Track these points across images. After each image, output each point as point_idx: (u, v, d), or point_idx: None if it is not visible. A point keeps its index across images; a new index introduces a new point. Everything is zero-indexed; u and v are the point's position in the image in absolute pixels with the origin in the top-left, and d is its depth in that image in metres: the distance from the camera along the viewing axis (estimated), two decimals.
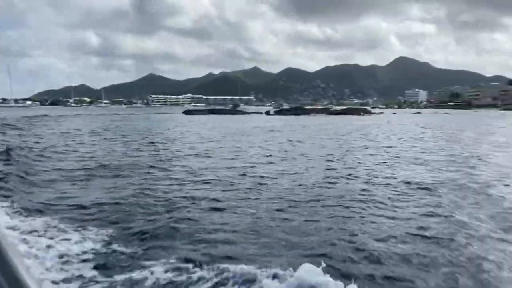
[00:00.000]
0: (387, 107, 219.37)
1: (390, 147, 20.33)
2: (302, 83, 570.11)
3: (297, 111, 66.73)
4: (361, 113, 61.71)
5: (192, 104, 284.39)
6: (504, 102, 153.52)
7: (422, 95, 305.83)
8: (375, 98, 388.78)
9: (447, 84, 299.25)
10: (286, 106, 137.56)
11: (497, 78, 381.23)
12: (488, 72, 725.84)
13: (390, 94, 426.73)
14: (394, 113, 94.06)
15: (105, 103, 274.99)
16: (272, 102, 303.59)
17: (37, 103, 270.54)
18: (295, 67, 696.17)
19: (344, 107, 68.08)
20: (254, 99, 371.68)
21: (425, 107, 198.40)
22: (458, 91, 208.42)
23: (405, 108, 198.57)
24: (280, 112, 67.51)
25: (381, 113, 69.90)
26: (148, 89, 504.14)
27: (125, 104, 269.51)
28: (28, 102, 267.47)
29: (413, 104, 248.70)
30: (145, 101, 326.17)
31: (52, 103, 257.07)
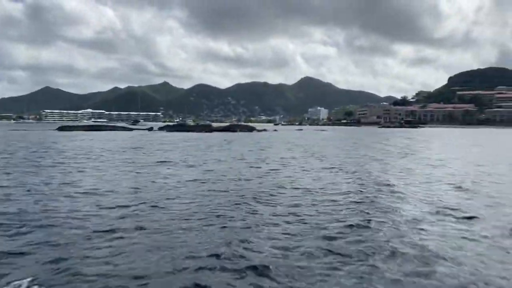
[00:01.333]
0: (290, 123, 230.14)
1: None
2: (213, 100, 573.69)
3: (181, 127, 65.47)
4: (240, 130, 62.76)
5: (92, 120, 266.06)
6: (385, 120, 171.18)
7: (324, 112, 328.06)
8: (281, 115, 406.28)
9: (348, 103, 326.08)
10: (177, 121, 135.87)
11: (388, 98, 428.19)
12: (382, 93, 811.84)
13: (296, 111, 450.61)
14: (301, 129, 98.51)
15: None
16: (180, 118, 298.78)
17: None
18: (206, 83, 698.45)
19: (227, 124, 69.33)
20: (162, 115, 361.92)
21: (324, 124, 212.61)
22: (351, 110, 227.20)
23: (306, 125, 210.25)
24: (162, 128, 65.45)
25: (264, 130, 71.81)
26: (45, 103, 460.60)
27: (13, 120, 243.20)
28: None
29: (315, 121, 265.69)
30: (38, 116, 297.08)
31: None
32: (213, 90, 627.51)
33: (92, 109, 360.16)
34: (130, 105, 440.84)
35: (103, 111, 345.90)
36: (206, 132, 59.18)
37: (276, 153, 25.30)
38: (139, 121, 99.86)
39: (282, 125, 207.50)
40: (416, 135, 63.27)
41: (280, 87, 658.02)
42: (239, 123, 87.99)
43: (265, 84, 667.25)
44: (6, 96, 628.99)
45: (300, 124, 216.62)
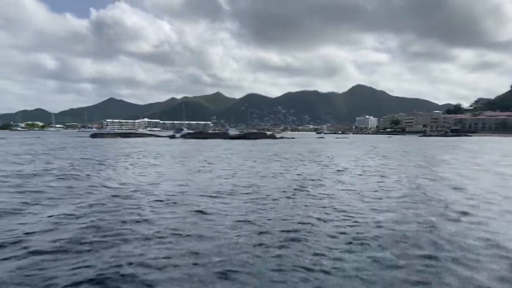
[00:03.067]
0: (333, 132, 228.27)
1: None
2: (263, 109, 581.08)
3: (198, 135, 69.75)
4: (256, 138, 65.11)
5: (148, 129, 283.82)
6: (431, 129, 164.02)
7: (373, 121, 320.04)
8: (328, 124, 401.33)
9: (401, 111, 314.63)
10: (232, 130, 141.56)
11: (447, 106, 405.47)
12: (441, 100, 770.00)
13: (346, 120, 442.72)
14: (322, 137, 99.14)
15: (57, 127, 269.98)
16: (231, 127, 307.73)
17: None
18: (257, 92, 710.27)
19: (245, 132, 72.19)
20: (212, 124, 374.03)
21: (369, 133, 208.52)
22: (398, 118, 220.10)
23: (349, 133, 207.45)
24: (182, 136, 70.28)
25: (281, 137, 73.73)
26: (109, 113, 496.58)
27: (78, 128, 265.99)
28: None
29: (362, 130, 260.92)
30: (100, 125, 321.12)
31: (2, 127, 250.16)
32: (263, 99, 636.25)
33: (148, 119, 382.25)
34: (186, 115, 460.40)
35: (158, 120, 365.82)
36: (222, 139, 62.59)
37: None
38: (183, 130, 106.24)
39: (325, 133, 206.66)
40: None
41: (330, 96, 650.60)
42: (259, 131, 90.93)
43: (315, 92, 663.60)
44: (75, 106, 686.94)
45: (343, 133, 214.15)
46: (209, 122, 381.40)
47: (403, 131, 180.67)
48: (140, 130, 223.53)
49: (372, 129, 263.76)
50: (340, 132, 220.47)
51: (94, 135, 68.35)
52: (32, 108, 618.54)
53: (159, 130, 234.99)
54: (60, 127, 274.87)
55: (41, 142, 48.33)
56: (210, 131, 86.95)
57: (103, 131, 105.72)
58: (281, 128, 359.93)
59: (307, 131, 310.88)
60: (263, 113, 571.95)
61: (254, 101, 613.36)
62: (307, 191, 12.04)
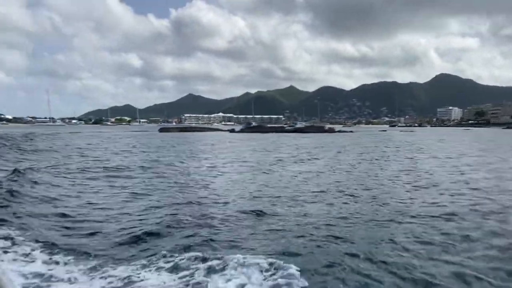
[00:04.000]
0: (408, 125, 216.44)
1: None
2: (338, 102, 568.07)
3: (256, 128, 72.28)
4: (309, 131, 65.63)
5: (222, 123, 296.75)
6: None
7: (456, 112, 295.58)
8: (407, 116, 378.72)
9: (492, 101, 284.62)
10: (300, 124, 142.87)
11: None
12: None
13: (428, 111, 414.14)
14: (384, 130, 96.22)
15: (141, 121, 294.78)
16: (305, 120, 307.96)
17: (82, 122, 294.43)
18: (331, 85, 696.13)
19: (301, 126, 72.47)
20: (283, 118, 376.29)
21: (448, 126, 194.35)
22: (483, 109, 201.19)
23: (427, 126, 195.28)
24: (241, 130, 73.39)
25: (339, 131, 72.97)
26: (188, 108, 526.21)
27: (160, 123, 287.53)
28: (74, 121, 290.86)
29: (445, 122, 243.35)
30: (179, 120, 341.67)
31: (95, 122, 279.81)
32: (337, 92, 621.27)
33: (223, 113, 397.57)
34: (259, 109, 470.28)
35: (231, 114, 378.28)
36: (276, 132, 64.45)
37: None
38: (251, 123, 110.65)
39: (399, 126, 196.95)
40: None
41: (410, 86, 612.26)
42: (312, 125, 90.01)
43: (393, 83, 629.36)
44: (158, 102, 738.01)
45: (420, 125, 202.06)
46: (280, 116, 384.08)
47: (487, 123, 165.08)
48: (215, 124, 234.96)
49: (456, 121, 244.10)
50: (416, 124, 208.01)
51: (161, 129, 75.08)
52: (121, 105, 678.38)
53: (232, 124, 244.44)
54: (144, 122, 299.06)
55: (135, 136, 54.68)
56: (268, 125, 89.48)
57: (170, 125, 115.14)
58: (355, 121, 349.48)
59: (382, 124, 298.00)
60: (337, 106, 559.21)
61: (327, 94, 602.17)
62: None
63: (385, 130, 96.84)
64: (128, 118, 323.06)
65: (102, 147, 32.09)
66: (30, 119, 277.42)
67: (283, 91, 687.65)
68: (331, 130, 71.83)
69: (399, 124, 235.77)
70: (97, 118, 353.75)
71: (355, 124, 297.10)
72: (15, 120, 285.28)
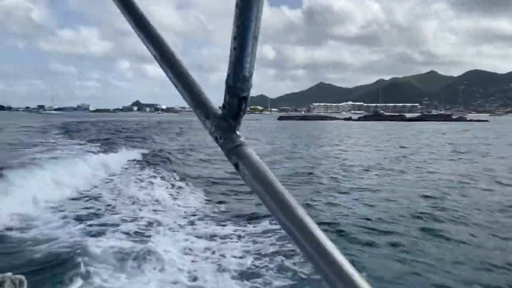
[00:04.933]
0: None
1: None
2: (489, 87, 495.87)
3: (375, 117, 70.53)
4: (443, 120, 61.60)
5: (352, 111, 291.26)
6: None
7: None
8: None
9: None
10: (436, 112, 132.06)
11: None
12: None
13: None
14: None
15: (272, 111, 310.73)
16: (447, 108, 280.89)
17: None
18: (480, 68, 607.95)
19: (423, 115, 66.39)
20: (420, 106, 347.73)
21: None
22: None
23: None
24: (358, 119, 72.69)
25: (470, 120, 65.87)
26: (318, 97, 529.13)
27: (289, 111, 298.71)
28: None
29: None
30: (308, 109, 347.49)
31: None
32: (488, 76, 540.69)
33: (352, 101, 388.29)
34: (393, 96, 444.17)
35: (361, 103, 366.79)
36: (397, 121, 62.43)
37: None
38: (379, 112, 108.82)
39: None
40: None
41: None
42: (437, 113, 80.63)
43: None
44: (289, 92, 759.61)
45: None
46: (416, 104, 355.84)
47: None
48: (343, 113, 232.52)
49: None
50: None
51: (280, 118, 79.67)
52: (255, 95, 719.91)
53: (361, 113, 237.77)
54: (275, 111, 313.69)
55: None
56: (386, 114, 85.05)
57: (291, 114, 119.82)
58: (509, 109, 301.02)
59: None
60: (487, 92, 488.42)
61: (476, 79, 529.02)
62: None
63: None
64: (260, 108, 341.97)
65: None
66: (180, 109, 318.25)
67: (421, 76, 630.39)
68: (461, 119, 65.40)
69: None
70: None
71: (508, 112, 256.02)
72: (168, 109, 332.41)
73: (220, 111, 0.51)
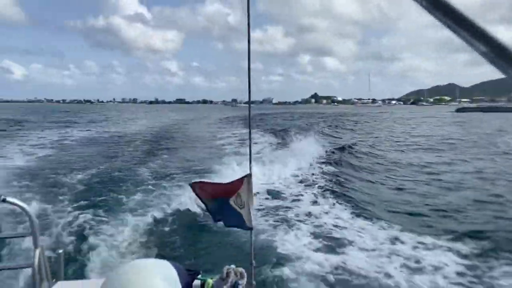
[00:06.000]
0: None
1: None
2: None
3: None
4: None
5: None
6: None
7: None
8: None
9: None
10: None
11: None
12: None
13: None
14: None
15: (462, 101, 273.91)
16: None
17: (401, 102, 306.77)
18: None
19: None
20: None
21: None
22: None
23: None
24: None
25: None
26: None
27: (484, 102, 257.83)
28: (393, 102, 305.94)
29: None
30: (509, 99, 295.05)
31: (412, 103, 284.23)
32: None
33: None
34: None
35: None
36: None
37: None
38: None
39: None
40: None
41: None
42: None
43: None
44: (485, 80, 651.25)
45: None
46: None
47: None
48: None
49: None
50: None
51: (458, 110, 72.64)
52: (443, 84, 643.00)
53: None
54: (466, 101, 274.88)
55: None
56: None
57: (472, 105, 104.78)
58: None
59: None
60: None
61: None
62: None
63: None
64: (448, 98, 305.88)
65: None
66: (356, 100, 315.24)
67: None
68: None
69: None
70: (415, 98, 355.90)
71: None
72: (343, 101, 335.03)
73: None
